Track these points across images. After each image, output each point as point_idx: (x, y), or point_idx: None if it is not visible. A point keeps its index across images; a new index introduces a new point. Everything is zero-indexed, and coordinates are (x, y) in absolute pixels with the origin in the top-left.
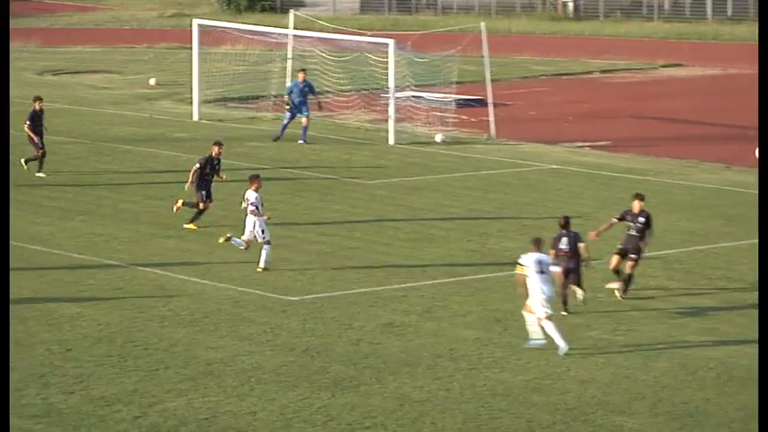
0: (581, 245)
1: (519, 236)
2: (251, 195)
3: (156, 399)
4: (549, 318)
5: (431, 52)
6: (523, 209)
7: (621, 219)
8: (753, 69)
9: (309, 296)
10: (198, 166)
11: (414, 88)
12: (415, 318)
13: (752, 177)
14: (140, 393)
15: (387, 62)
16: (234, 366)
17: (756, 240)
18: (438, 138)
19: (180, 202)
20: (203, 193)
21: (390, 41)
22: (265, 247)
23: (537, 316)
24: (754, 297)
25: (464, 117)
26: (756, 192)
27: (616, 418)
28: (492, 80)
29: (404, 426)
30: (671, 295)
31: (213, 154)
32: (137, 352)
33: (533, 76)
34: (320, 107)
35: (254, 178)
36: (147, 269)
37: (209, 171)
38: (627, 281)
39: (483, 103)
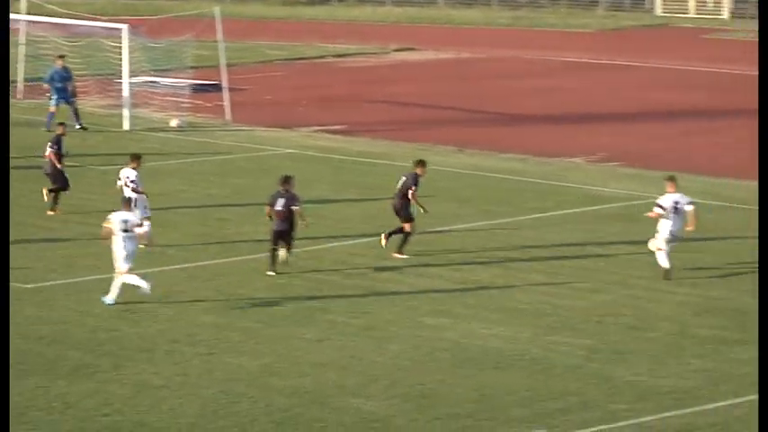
0: (295, 207)
1: (256, 220)
2: (131, 173)
3: None
4: (128, 272)
5: (166, 37)
6: (260, 193)
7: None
8: (484, 53)
9: (45, 283)
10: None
11: (149, 73)
12: (153, 304)
13: (484, 160)
14: None
15: (121, 47)
16: None
17: (490, 222)
18: (173, 123)
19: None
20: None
21: (124, 26)
22: (146, 222)
23: (118, 270)
24: (487, 277)
25: (200, 102)
26: (489, 174)
27: (353, 401)
28: (227, 65)
29: (142, 412)
30: (406, 277)
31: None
32: None
33: (268, 61)
34: (74, 93)
35: (136, 157)
36: None
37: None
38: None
39: (218, 87)
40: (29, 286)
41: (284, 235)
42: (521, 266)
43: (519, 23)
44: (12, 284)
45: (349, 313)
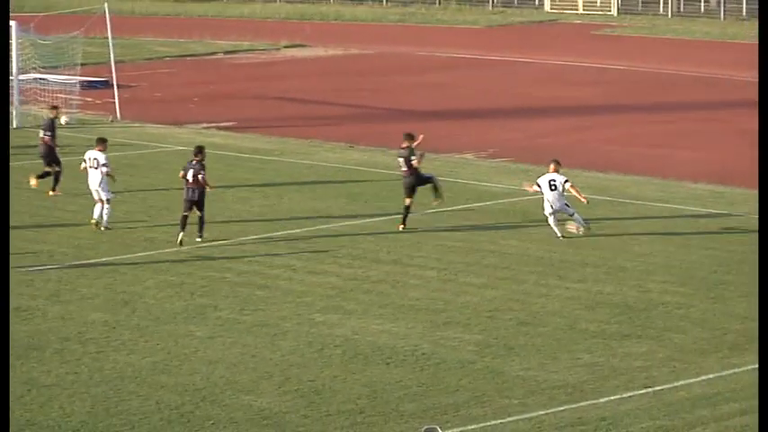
0: (200, 175)
1: (146, 217)
2: (100, 156)
3: None
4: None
5: (55, 34)
6: (150, 190)
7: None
8: (373, 49)
9: None
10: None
11: (38, 70)
12: (43, 301)
13: (375, 156)
14: None
15: (9, 44)
16: None
17: (381, 218)
18: (63, 120)
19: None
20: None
21: (13, 23)
22: (107, 204)
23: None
24: (378, 274)
25: (89, 99)
26: (379, 170)
27: (244, 398)
28: (116, 62)
29: (32, 410)
30: (297, 274)
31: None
32: None
33: (158, 58)
34: None
35: (102, 141)
36: None
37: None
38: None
39: (107, 84)
40: None
41: (196, 202)
42: (412, 262)
43: (409, 20)
44: None
45: (240, 310)
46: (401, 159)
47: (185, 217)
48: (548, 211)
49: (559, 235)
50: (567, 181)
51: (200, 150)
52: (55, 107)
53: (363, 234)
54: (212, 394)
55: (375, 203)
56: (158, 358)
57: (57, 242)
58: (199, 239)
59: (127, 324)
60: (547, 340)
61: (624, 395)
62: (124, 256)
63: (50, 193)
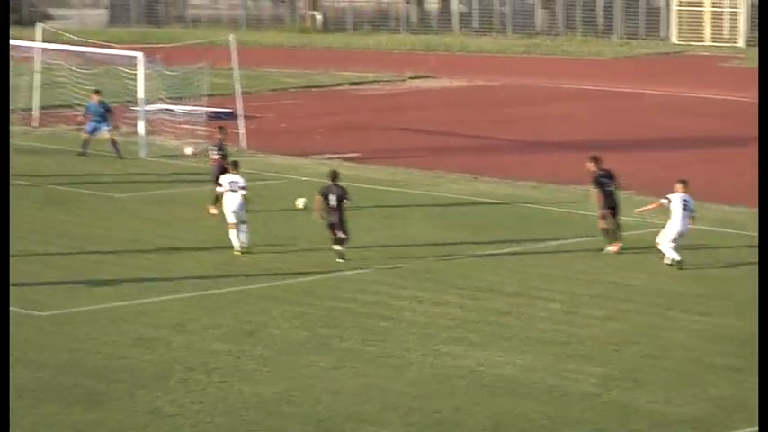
0: (347, 201)
1: (271, 248)
2: (239, 179)
3: None
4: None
5: (181, 65)
6: (273, 221)
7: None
8: (498, 80)
9: (59, 311)
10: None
11: (165, 101)
12: (167, 331)
13: (500, 187)
14: None
15: (136, 75)
16: None
17: (505, 250)
18: (188, 150)
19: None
20: None
21: (139, 54)
22: (244, 226)
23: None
24: (502, 306)
25: (214, 130)
26: (505, 202)
27: (368, 428)
28: (242, 93)
29: None
30: (421, 305)
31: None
32: None
33: (283, 89)
34: (113, 125)
35: (236, 164)
36: None
37: None
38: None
39: (233, 115)
40: (43, 314)
41: (338, 226)
42: (536, 294)
43: (534, 51)
44: (26, 312)
45: (365, 341)
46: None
47: (335, 240)
48: (671, 235)
49: (678, 258)
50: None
51: (336, 174)
52: (222, 127)
53: (487, 265)
54: (336, 424)
55: (498, 235)
56: (282, 388)
57: (182, 272)
58: (341, 260)
59: (251, 354)
60: (672, 373)
61: (749, 429)
62: (249, 287)
63: (212, 210)
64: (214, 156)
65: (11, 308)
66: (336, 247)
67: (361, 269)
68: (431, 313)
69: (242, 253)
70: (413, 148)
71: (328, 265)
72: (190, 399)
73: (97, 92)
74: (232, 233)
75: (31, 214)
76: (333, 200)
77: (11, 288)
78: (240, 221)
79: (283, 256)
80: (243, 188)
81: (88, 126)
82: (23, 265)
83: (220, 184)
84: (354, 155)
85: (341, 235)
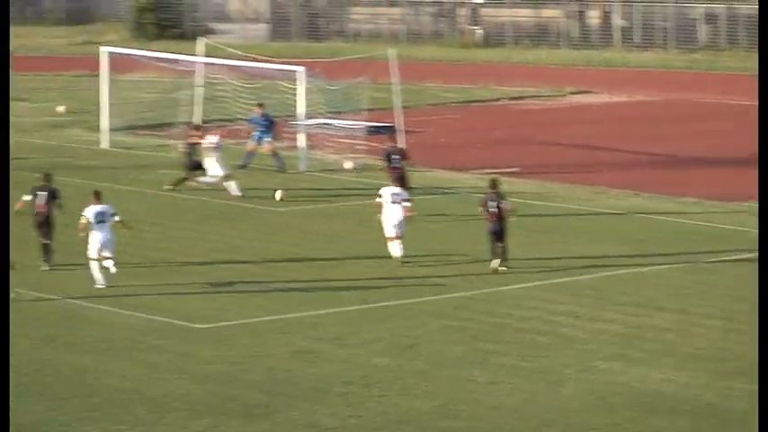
0: (505, 205)
1: (430, 262)
2: (403, 192)
3: (66, 428)
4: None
5: (341, 79)
6: (434, 236)
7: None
8: (659, 96)
9: (220, 323)
10: None
11: (325, 115)
12: (327, 345)
13: (660, 203)
14: (48, 423)
15: (297, 89)
16: (143, 394)
17: (664, 266)
18: (348, 165)
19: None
20: None
21: (300, 68)
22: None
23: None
24: (662, 322)
25: (374, 144)
26: (665, 218)
27: None
28: (402, 107)
29: None
30: (579, 320)
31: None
32: (44, 381)
33: (443, 104)
34: (277, 138)
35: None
36: (54, 297)
37: None
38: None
39: (393, 130)
40: (205, 326)
41: (500, 233)
42: (697, 311)
43: (696, 67)
44: (188, 324)
45: (522, 356)
46: None
47: (496, 247)
48: None
49: None
50: None
51: (496, 183)
52: (392, 137)
53: (646, 281)
54: None
55: (658, 251)
56: (440, 402)
57: (342, 285)
58: (504, 269)
59: (410, 368)
60: None
61: None
62: (408, 300)
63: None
64: (392, 165)
65: (172, 321)
66: (495, 261)
67: (518, 284)
68: (589, 329)
69: (402, 263)
70: (572, 164)
71: (486, 280)
72: (348, 412)
73: (260, 105)
74: (391, 245)
75: (192, 228)
76: (493, 206)
77: (171, 301)
78: (398, 237)
79: (441, 270)
80: (406, 200)
81: (253, 137)
82: (185, 278)
83: (380, 195)
84: (514, 169)
85: (500, 244)
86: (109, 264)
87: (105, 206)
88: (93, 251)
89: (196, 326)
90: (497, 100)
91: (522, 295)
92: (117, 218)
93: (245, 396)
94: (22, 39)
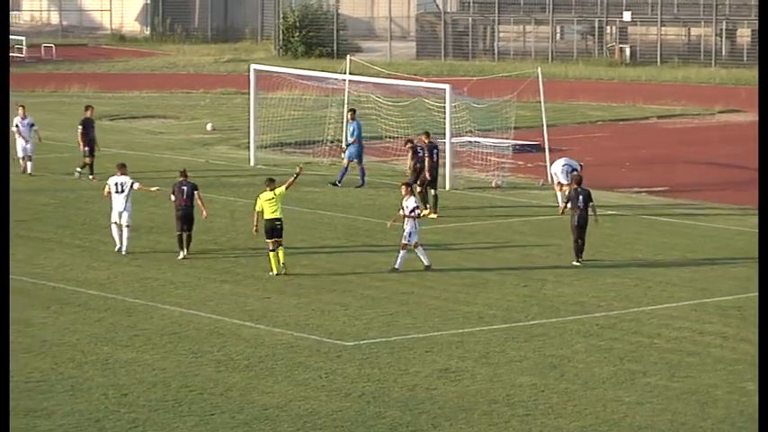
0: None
1: (575, 281)
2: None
3: None
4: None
5: (487, 97)
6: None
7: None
8: None
9: (365, 341)
10: None
11: (472, 134)
12: (471, 363)
13: None
14: None
15: (444, 107)
16: (289, 411)
17: None
18: (494, 183)
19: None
20: None
21: (447, 86)
22: (421, 247)
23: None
24: None
25: (521, 162)
26: None
27: None
28: (548, 125)
29: None
30: (728, 342)
31: None
32: (192, 397)
33: (590, 122)
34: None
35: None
36: (202, 314)
37: None
38: None
39: (539, 148)
40: (349, 344)
41: (583, 228)
42: None
43: None
44: (332, 342)
45: (670, 376)
46: None
47: (577, 244)
48: None
49: None
50: None
51: (581, 179)
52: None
53: None
54: None
55: None
56: (586, 423)
57: (486, 303)
58: (578, 264)
59: (555, 388)
60: None
61: None
62: (553, 320)
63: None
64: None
65: (314, 337)
66: (577, 259)
67: (665, 304)
68: (738, 350)
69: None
70: (721, 183)
71: (631, 299)
72: (493, 431)
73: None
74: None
75: (335, 245)
76: (580, 201)
77: (314, 318)
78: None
79: (586, 290)
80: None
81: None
82: (326, 296)
83: (405, 207)
84: (661, 188)
85: (580, 240)
86: (124, 243)
87: (125, 177)
88: (114, 215)
89: (341, 343)
90: (645, 118)
91: (667, 315)
92: (136, 185)
93: (389, 414)
94: (168, 57)
